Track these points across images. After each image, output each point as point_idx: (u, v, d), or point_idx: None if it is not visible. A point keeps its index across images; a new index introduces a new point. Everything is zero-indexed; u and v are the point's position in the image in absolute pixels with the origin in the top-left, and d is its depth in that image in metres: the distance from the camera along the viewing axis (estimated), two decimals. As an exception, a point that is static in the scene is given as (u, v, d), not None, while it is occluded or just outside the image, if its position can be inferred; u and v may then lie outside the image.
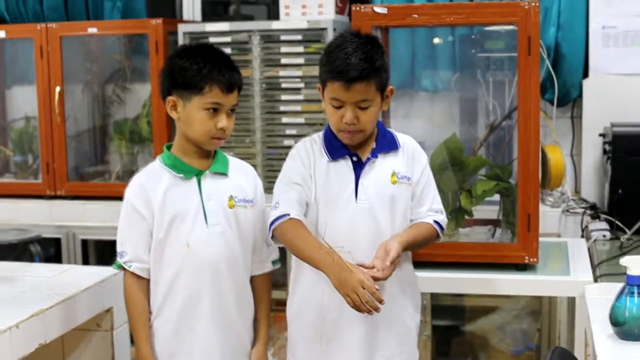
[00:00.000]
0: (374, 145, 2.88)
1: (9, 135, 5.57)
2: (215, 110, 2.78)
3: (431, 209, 2.94)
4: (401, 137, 2.96)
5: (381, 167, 2.87)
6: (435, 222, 2.93)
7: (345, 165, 2.86)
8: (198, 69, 2.76)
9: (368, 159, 2.86)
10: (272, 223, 2.79)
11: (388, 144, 2.90)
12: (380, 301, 2.60)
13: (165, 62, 2.89)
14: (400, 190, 2.87)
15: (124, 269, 2.85)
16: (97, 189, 5.15)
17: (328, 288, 2.71)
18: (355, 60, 2.71)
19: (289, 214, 2.77)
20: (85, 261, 5.05)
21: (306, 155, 2.89)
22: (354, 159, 2.86)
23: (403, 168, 2.89)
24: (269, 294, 3.04)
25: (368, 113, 2.77)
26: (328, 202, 2.85)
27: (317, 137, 2.94)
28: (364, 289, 2.57)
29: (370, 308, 2.59)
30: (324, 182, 2.86)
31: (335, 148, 2.87)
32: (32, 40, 5.08)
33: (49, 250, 5.07)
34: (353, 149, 2.87)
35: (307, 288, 2.89)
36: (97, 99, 5.46)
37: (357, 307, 2.60)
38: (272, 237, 2.81)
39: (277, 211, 2.79)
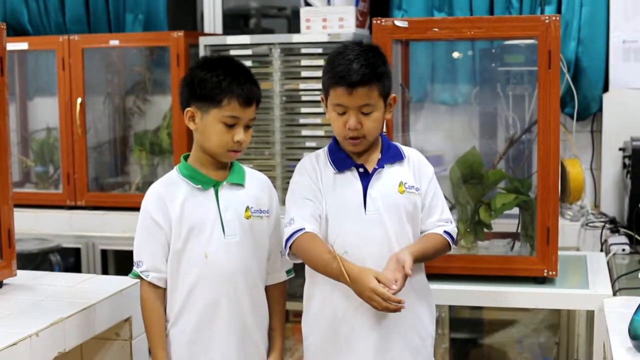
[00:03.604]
0: (379, 156, 2.89)
1: (30, 146, 5.61)
2: (233, 123, 2.79)
3: (441, 219, 2.94)
4: (406, 149, 2.97)
5: (388, 177, 2.87)
6: (445, 232, 2.93)
7: (352, 177, 2.87)
8: (217, 81, 2.77)
9: (375, 169, 2.86)
10: (287, 239, 2.80)
11: (393, 155, 2.91)
12: (399, 301, 2.62)
13: (186, 73, 2.90)
14: (408, 200, 2.87)
15: (141, 278, 2.86)
16: (117, 200, 5.18)
17: (341, 301, 2.75)
18: (357, 65, 2.74)
19: (304, 228, 2.77)
20: (105, 271, 5.08)
21: (312, 169, 2.90)
22: (361, 170, 2.87)
23: (410, 178, 2.89)
24: (284, 303, 3.05)
25: (371, 118, 2.79)
26: (337, 214, 2.85)
27: (322, 152, 2.95)
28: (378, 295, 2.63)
29: (395, 307, 2.63)
30: (331, 194, 2.86)
31: (340, 160, 2.88)
32: (54, 52, 5.12)
33: (68, 259, 5.10)
34: (359, 160, 2.88)
35: (320, 302, 2.89)
36: (118, 111, 5.49)
37: (383, 310, 2.65)
38: (289, 253, 2.82)
39: (292, 227, 2.79)
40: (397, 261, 2.73)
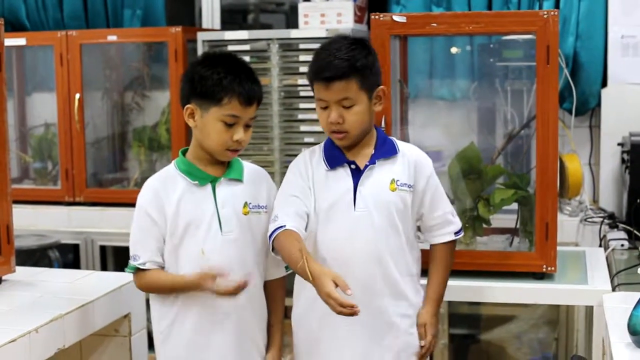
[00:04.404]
0: (372, 151, 2.88)
1: (29, 142, 5.61)
2: (233, 122, 2.78)
3: (446, 212, 2.98)
4: (402, 145, 2.96)
5: (379, 174, 2.87)
6: (455, 234, 2.99)
7: (343, 173, 2.87)
8: (218, 79, 2.74)
9: (366, 166, 2.86)
10: (270, 236, 2.79)
11: (387, 150, 2.90)
12: (353, 306, 2.54)
13: (187, 69, 2.88)
14: (399, 198, 2.87)
15: (139, 269, 2.82)
16: (115, 196, 5.17)
17: None
18: (335, 60, 2.75)
19: (284, 225, 2.76)
20: (104, 267, 5.07)
21: (304, 166, 2.90)
22: (352, 166, 2.86)
23: (403, 175, 2.88)
24: (283, 298, 3.05)
25: (353, 112, 2.78)
26: (328, 210, 2.85)
27: (318, 148, 2.95)
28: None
29: (349, 312, 2.54)
30: (323, 191, 2.87)
31: (333, 157, 2.88)
32: (52, 47, 5.12)
33: (67, 256, 5.10)
34: (351, 156, 2.87)
35: (309, 298, 2.86)
36: (116, 106, 5.48)
37: (339, 314, 2.58)
38: (273, 249, 2.81)
39: (274, 224, 2.79)
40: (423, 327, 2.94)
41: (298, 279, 2.91)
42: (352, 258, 2.81)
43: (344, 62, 2.74)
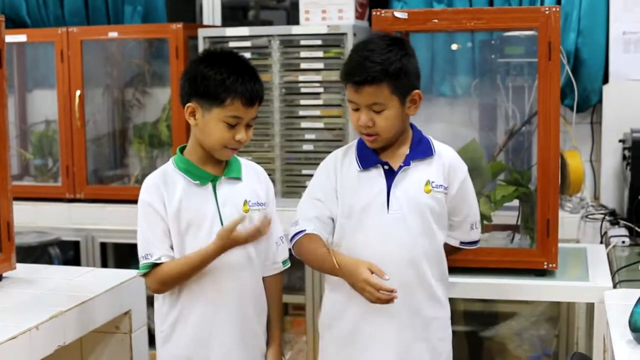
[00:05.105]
0: (407, 151, 2.84)
1: (29, 139, 5.60)
2: (235, 123, 2.76)
3: (465, 221, 2.96)
4: (438, 145, 2.91)
5: (414, 176, 2.83)
6: (460, 242, 3.01)
7: (376, 174, 2.82)
8: (221, 79, 2.72)
9: (400, 167, 2.81)
10: (291, 240, 2.82)
11: (422, 151, 2.85)
12: (392, 291, 2.58)
13: (188, 67, 2.85)
14: (434, 200, 2.82)
15: (153, 267, 2.78)
16: (116, 193, 5.16)
17: (359, 300, 2.70)
18: (368, 63, 2.69)
19: (305, 230, 2.77)
20: (104, 264, 5.07)
21: (333, 167, 2.87)
22: (386, 167, 2.82)
23: (439, 177, 2.84)
24: (281, 294, 3.05)
25: (383, 117, 2.73)
26: (360, 213, 2.81)
27: (352, 145, 2.91)
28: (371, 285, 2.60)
29: (388, 298, 2.59)
30: (354, 192, 2.82)
31: (366, 156, 2.84)
32: (52, 44, 5.11)
33: (68, 253, 5.10)
34: (385, 157, 2.83)
35: (340, 301, 2.87)
36: (117, 103, 5.47)
37: (376, 302, 2.61)
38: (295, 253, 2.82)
39: (295, 228, 2.81)
40: None
41: (328, 281, 2.90)
42: (385, 262, 2.72)
43: (377, 65, 2.68)
